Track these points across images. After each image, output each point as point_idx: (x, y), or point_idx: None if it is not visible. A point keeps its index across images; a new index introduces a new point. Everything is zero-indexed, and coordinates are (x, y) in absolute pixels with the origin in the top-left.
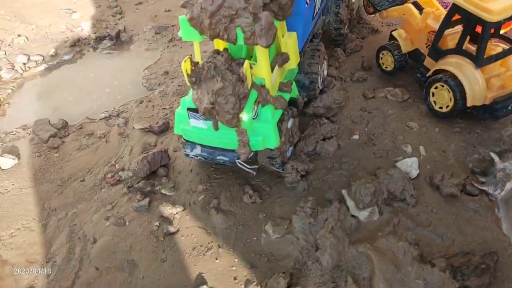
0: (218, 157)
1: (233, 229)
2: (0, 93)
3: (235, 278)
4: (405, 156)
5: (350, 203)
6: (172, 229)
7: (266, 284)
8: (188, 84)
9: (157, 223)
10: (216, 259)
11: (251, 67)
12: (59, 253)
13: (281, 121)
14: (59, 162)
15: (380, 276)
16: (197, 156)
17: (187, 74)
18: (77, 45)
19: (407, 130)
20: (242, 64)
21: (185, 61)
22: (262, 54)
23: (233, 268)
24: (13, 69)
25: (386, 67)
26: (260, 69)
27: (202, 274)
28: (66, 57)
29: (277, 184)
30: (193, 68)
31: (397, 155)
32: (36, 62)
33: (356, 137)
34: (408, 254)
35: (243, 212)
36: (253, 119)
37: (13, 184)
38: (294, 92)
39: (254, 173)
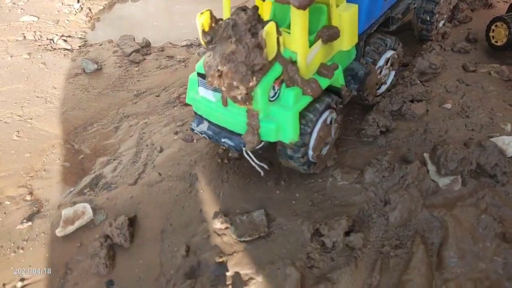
0: (223, 140)
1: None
2: (93, 8)
3: (294, 211)
4: (502, 134)
5: (431, 167)
6: (237, 155)
7: (326, 223)
8: (202, 43)
9: (223, 148)
10: (278, 190)
11: (280, 34)
12: (126, 154)
13: (309, 111)
14: (137, 76)
15: (453, 244)
16: (202, 133)
17: (203, 30)
18: None
19: (508, 109)
20: None
21: (202, 13)
22: (297, 20)
23: (293, 202)
24: None
25: (496, 41)
26: (293, 40)
27: (261, 201)
28: None
29: (351, 136)
30: (212, 24)
31: (493, 132)
32: None
33: (448, 105)
34: (490, 229)
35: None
36: (271, 100)
37: (93, 87)
38: (339, 80)
39: (262, 173)
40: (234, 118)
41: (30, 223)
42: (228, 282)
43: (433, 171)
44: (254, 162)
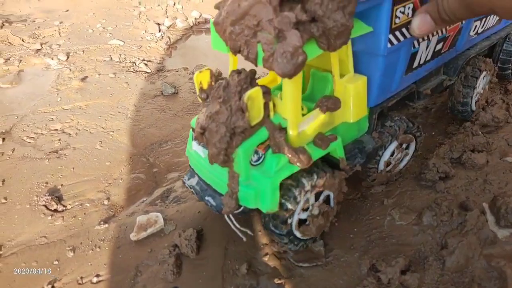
0: (206, 198)
1: (357, 202)
2: (172, 37)
3: (351, 245)
4: None
5: (490, 217)
6: None
7: (383, 260)
8: (199, 99)
9: None
10: (336, 223)
11: (268, 99)
12: None
13: (296, 180)
14: None
15: None
16: (190, 188)
17: (201, 88)
18: None
19: None
20: (264, 91)
21: (200, 71)
22: (288, 87)
23: (351, 236)
24: (186, 21)
25: None
26: (284, 105)
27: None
28: None
29: (410, 179)
30: (212, 82)
31: None
32: (205, 19)
33: (509, 159)
34: None
35: (370, 194)
36: (253, 164)
37: (169, 108)
38: (337, 152)
39: (244, 239)
40: (218, 177)
41: (106, 225)
42: None
43: (492, 221)
44: (235, 226)
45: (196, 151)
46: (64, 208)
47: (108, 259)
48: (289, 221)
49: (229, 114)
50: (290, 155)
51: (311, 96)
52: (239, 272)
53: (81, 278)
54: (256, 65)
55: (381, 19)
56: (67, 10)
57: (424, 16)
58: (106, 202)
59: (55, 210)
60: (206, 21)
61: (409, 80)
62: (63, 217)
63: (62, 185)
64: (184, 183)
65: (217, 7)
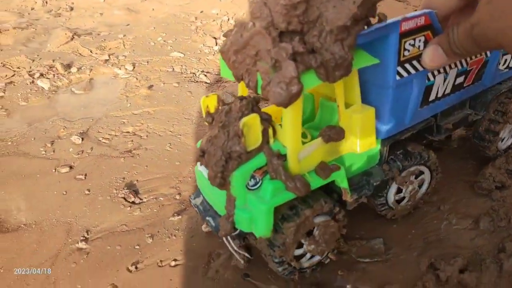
0: (207, 218)
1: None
2: None
3: (409, 245)
4: None
5: None
6: None
7: (442, 259)
8: (206, 123)
9: None
10: (395, 224)
11: (267, 126)
12: None
13: (291, 208)
14: None
15: None
16: (195, 207)
17: (207, 112)
18: None
19: None
20: (264, 118)
21: (207, 96)
22: (288, 114)
23: (409, 236)
24: None
25: None
26: (284, 133)
27: (379, 231)
28: None
29: (465, 187)
30: (219, 106)
31: None
32: None
33: None
34: None
35: (425, 201)
36: (250, 189)
37: None
38: (340, 181)
39: (242, 262)
40: (218, 199)
41: (179, 217)
42: None
43: None
44: (232, 249)
45: (201, 171)
46: (141, 201)
47: (184, 246)
48: (282, 245)
49: (226, 139)
50: (287, 182)
51: (319, 125)
52: None
53: (161, 261)
54: (256, 93)
55: (388, 51)
56: (128, 24)
57: (435, 48)
58: (177, 197)
59: (133, 202)
60: None
61: (425, 113)
62: (140, 208)
63: (137, 180)
64: (190, 201)
65: (225, 35)
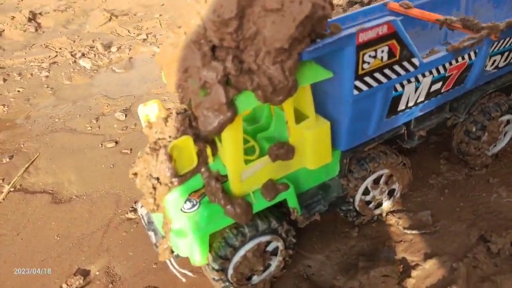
0: (149, 232)
1: (462, 181)
2: None
3: (458, 217)
4: None
5: None
6: None
7: (493, 231)
8: (144, 133)
9: None
10: (442, 197)
11: (203, 146)
12: None
13: (233, 233)
14: None
15: None
16: (140, 216)
17: (147, 121)
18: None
19: None
20: (201, 137)
21: (145, 105)
22: (226, 135)
23: (457, 209)
24: None
25: None
26: (223, 153)
27: (425, 204)
28: None
29: None
30: (161, 115)
31: None
32: None
33: None
34: None
35: (474, 174)
36: (186, 212)
37: None
38: (289, 201)
39: (184, 280)
40: (157, 217)
41: None
42: (396, 264)
43: None
44: (174, 268)
45: None
46: None
47: None
48: (223, 274)
49: (155, 163)
50: (225, 208)
51: (272, 134)
52: (349, 235)
53: None
54: (190, 110)
55: (344, 65)
56: (162, 4)
57: None
58: None
59: None
60: None
61: (393, 123)
62: None
63: None
64: (135, 209)
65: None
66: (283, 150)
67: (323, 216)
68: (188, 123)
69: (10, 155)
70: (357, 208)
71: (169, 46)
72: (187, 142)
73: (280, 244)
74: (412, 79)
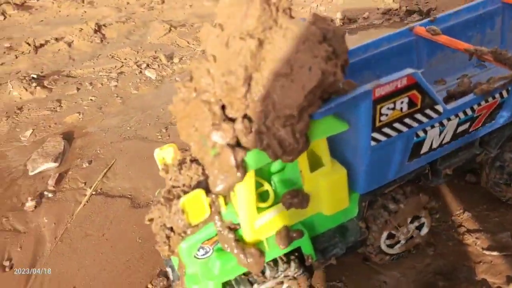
0: (167, 268)
1: None
2: None
3: None
4: None
5: None
6: None
7: None
8: (161, 175)
9: None
10: None
11: (214, 197)
12: None
13: (241, 283)
14: None
15: None
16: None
17: (164, 163)
18: (387, 14)
19: None
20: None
21: (161, 149)
22: (240, 188)
23: None
24: (331, 22)
25: None
26: (236, 202)
27: (505, 225)
28: (376, 22)
29: None
30: (177, 157)
31: None
32: (349, 19)
33: None
34: None
35: None
36: (199, 258)
37: None
38: (304, 247)
39: None
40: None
41: None
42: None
43: None
44: None
45: None
46: None
47: None
48: None
49: (168, 214)
50: (238, 257)
51: (287, 176)
52: (424, 253)
53: None
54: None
55: (359, 119)
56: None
57: None
58: None
59: None
60: (350, 21)
61: (415, 165)
62: None
63: None
64: None
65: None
66: (297, 200)
67: None
68: (202, 171)
69: (89, 160)
70: (384, 250)
71: (180, 101)
72: (199, 196)
73: (294, 286)
74: (436, 124)
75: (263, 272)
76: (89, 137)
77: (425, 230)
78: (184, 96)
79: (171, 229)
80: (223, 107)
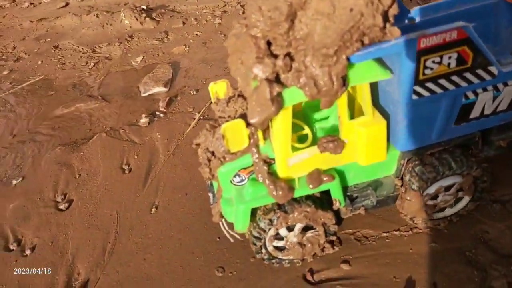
0: (209, 193)
1: None
2: None
3: None
4: None
5: None
6: None
7: None
8: (213, 108)
9: None
10: None
11: (254, 129)
12: None
13: (267, 212)
14: None
15: None
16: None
17: (216, 97)
18: None
19: None
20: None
21: (215, 83)
22: (275, 123)
23: None
24: None
25: None
26: (273, 139)
27: None
28: None
29: None
30: (229, 93)
31: None
32: None
33: None
34: None
35: None
36: (236, 184)
37: None
38: (334, 192)
39: (232, 240)
40: (216, 184)
41: None
42: None
43: None
44: (225, 229)
45: None
46: None
47: None
48: (261, 242)
49: (211, 139)
50: (268, 188)
51: (330, 124)
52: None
53: None
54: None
55: (402, 69)
56: None
57: None
58: None
59: None
60: None
61: (464, 130)
62: None
63: None
64: None
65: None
66: (332, 145)
67: None
68: (246, 105)
69: (196, 89)
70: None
71: (232, 36)
72: (239, 125)
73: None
74: (489, 88)
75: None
76: (195, 68)
77: (465, 200)
78: (237, 32)
79: (213, 153)
80: (269, 43)
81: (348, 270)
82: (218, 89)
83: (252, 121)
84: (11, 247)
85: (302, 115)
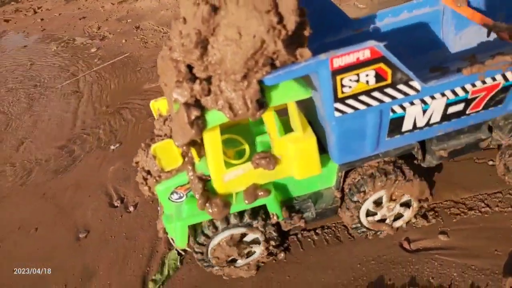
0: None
1: None
2: None
3: None
4: None
5: None
6: None
7: None
8: (155, 125)
9: None
10: None
11: (185, 148)
12: None
13: (207, 225)
14: None
15: None
16: None
17: (159, 114)
18: None
19: None
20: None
21: (156, 100)
22: (206, 142)
23: None
24: None
25: None
26: (207, 157)
27: None
28: None
29: None
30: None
31: None
32: None
33: None
34: None
35: None
36: (174, 201)
37: None
38: (270, 206)
39: (182, 254)
40: None
41: None
42: None
43: None
44: (174, 244)
45: None
46: None
47: None
48: (204, 251)
49: (145, 158)
50: (201, 205)
51: (269, 139)
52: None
53: None
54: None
55: (320, 88)
56: None
57: None
58: None
59: None
60: None
61: (399, 142)
62: None
63: None
64: None
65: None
66: (265, 161)
67: None
68: None
69: None
70: (370, 227)
71: (160, 58)
72: (169, 145)
73: (259, 236)
74: (416, 102)
75: (227, 220)
76: None
77: (416, 204)
78: (163, 54)
79: (149, 172)
80: (191, 66)
81: (446, 241)
82: (160, 106)
83: (176, 143)
84: (115, 204)
85: (246, 129)
